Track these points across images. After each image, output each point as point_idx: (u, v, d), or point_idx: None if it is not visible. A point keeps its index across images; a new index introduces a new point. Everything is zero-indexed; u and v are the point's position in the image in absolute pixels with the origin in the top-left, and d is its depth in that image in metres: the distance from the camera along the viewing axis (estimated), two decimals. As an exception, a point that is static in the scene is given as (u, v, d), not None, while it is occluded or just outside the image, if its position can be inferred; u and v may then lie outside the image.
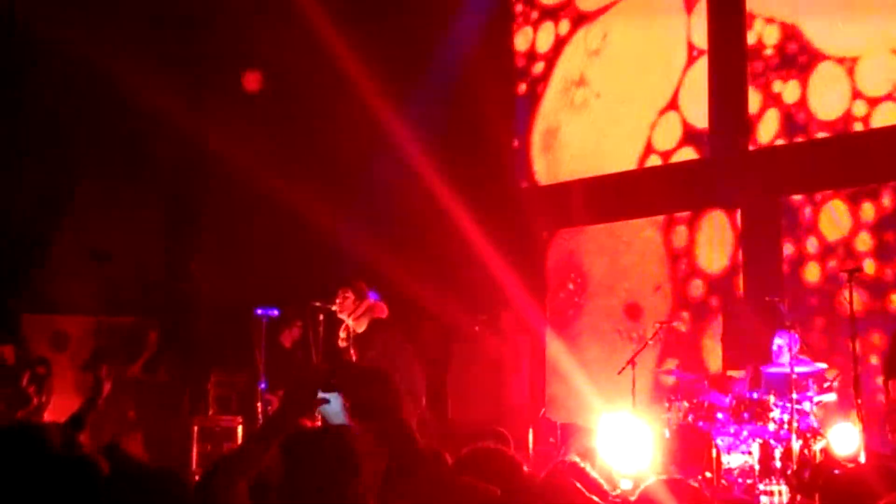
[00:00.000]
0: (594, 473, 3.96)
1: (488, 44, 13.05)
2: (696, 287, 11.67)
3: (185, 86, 12.02)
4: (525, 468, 4.07)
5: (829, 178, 10.76)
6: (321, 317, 9.26)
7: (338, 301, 8.59)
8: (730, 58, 11.41)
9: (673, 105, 11.92)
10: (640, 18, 12.11)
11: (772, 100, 11.20)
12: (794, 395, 8.94)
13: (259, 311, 9.97)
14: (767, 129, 11.29)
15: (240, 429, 11.08)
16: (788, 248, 11.00)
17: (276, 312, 10.07)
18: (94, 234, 12.33)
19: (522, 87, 13.44)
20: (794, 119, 10.99)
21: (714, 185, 11.57)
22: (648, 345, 10.42)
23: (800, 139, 10.99)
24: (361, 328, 8.48)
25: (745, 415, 9.29)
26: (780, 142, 11.16)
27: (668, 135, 11.96)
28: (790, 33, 11.06)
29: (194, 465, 10.81)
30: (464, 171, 12.33)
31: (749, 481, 9.13)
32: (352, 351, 8.40)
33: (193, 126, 11.80)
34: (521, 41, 13.28)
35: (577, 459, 3.85)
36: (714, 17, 11.56)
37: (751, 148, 11.34)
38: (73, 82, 11.77)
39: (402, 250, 11.85)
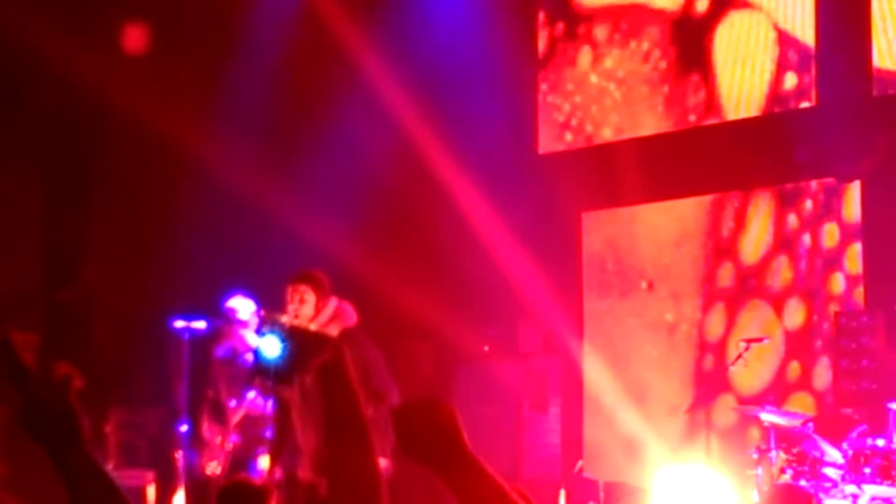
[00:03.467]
0: None
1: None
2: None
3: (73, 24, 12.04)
4: None
5: None
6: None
7: (293, 307, 8.31)
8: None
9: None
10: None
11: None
12: (937, 444, 8.93)
13: (179, 324, 9.74)
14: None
15: (151, 488, 10.96)
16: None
17: (203, 324, 9.83)
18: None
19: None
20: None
21: (820, 146, 11.36)
22: (730, 371, 10.43)
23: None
24: None
25: (867, 470, 9.12)
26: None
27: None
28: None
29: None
30: (467, 131, 12.38)
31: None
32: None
33: (83, 74, 11.65)
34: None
35: None
36: None
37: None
38: None
39: (379, 240, 12.11)
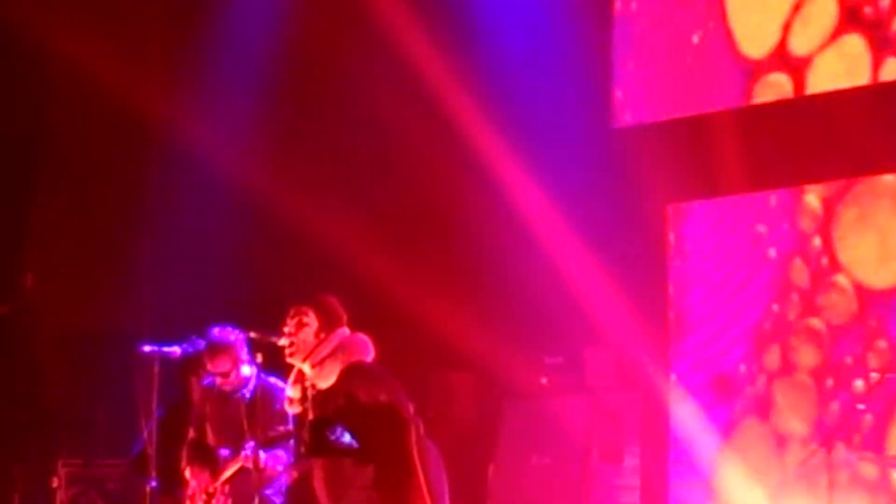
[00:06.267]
0: None
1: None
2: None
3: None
4: None
5: None
6: (259, 357, 8.89)
7: (288, 330, 8.12)
8: None
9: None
10: None
11: None
12: None
13: (147, 348, 9.63)
14: None
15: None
16: None
17: (177, 349, 9.78)
18: None
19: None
20: None
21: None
22: (858, 410, 10.29)
23: None
24: (328, 381, 8.04)
25: None
26: None
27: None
28: None
29: None
30: (520, 100, 11.95)
31: None
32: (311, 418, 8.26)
33: (22, 26, 11.70)
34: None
35: None
36: None
37: None
38: None
39: (409, 243, 12.04)
